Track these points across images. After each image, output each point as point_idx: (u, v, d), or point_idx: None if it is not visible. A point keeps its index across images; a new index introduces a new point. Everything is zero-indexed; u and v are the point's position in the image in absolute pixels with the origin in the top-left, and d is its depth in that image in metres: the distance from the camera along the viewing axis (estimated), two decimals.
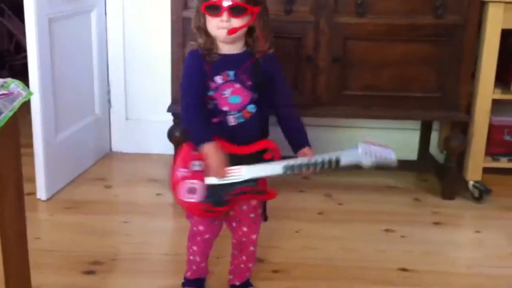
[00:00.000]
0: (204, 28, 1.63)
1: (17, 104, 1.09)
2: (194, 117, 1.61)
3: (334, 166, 1.61)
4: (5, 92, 1.04)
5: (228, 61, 1.64)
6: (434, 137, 3.00)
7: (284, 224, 2.34)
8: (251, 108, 1.65)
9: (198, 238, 1.75)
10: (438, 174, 2.83)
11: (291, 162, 1.62)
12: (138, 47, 2.99)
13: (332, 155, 1.61)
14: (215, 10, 1.58)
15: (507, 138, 2.64)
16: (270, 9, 2.37)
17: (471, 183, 2.62)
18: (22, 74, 4.16)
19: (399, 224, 2.39)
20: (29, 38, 2.36)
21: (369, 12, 2.42)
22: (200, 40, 1.64)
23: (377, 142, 1.62)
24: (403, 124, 2.97)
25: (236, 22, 1.59)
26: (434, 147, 3.01)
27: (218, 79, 1.62)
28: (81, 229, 2.28)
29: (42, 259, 2.02)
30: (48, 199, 2.50)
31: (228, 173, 1.59)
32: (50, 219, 2.38)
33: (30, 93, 1.14)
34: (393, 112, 2.55)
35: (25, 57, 2.45)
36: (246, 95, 1.64)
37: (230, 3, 1.56)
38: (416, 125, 3.02)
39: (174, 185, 1.66)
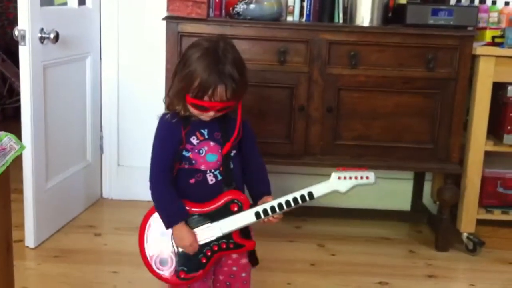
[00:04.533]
0: (184, 100, 1.56)
1: (9, 158, 1.08)
2: (166, 194, 1.58)
3: (308, 200, 1.58)
4: None
5: (201, 121, 1.59)
6: (427, 187, 3.00)
7: (275, 276, 2.30)
8: None
9: None
10: (431, 225, 2.82)
11: (262, 206, 1.58)
12: (132, 94, 3.00)
13: (304, 191, 1.57)
14: (203, 109, 1.53)
15: (500, 190, 2.64)
16: (264, 59, 2.46)
17: (465, 235, 2.60)
18: (14, 118, 4.18)
19: (393, 276, 2.36)
20: (23, 85, 2.35)
21: (361, 64, 2.45)
22: (178, 108, 1.59)
23: (350, 167, 1.60)
24: (396, 174, 2.97)
25: (221, 114, 1.57)
26: (427, 197, 3.00)
27: (194, 140, 1.59)
28: (68, 279, 2.23)
29: None
30: (36, 247, 2.45)
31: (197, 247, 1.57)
32: (37, 268, 2.32)
33: (23, 147, 1.12)
34: (385, 163, 2.55)
35: (18, 101, 2.43)
36: (219, 152, 1.60)
37: (219, 105, 1.52)
38: (409, 175, 3.02)
39: (144, 258, 1.63)
